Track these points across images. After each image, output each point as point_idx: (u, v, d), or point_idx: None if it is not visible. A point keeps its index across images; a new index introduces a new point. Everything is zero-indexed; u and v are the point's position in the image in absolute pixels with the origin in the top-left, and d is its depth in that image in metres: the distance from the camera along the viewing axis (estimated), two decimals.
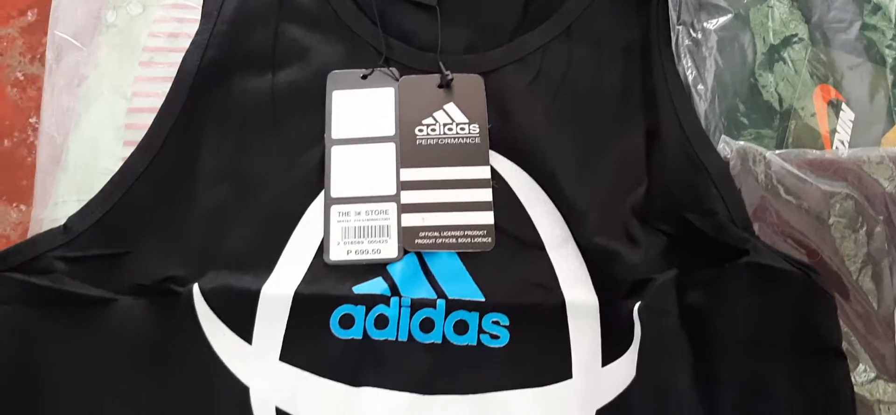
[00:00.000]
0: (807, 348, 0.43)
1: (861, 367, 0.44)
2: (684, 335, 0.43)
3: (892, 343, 0.45)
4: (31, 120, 0.55)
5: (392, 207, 0.48)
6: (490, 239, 0.47)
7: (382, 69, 0.51)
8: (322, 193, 0.48)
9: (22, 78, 0.56)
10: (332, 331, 0.45)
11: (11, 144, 0.54)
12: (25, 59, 0.56)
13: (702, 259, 0.45)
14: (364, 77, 0.50)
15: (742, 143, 0.47)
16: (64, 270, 0.45)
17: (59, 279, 0.45)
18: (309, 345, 0.45)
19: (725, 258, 0.44)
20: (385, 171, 0.49)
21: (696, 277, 0.44)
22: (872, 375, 0.44)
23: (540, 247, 0.47)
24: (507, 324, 0.45)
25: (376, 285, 0.46)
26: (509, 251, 0.47)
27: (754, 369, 0.43)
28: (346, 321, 0.45)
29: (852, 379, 0.43)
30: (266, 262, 0.46)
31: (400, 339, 0.45)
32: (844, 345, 0.44)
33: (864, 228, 0.46)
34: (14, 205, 0.53)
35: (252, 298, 0.45)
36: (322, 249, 0.47)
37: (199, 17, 0.51)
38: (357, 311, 0.45)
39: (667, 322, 0.43)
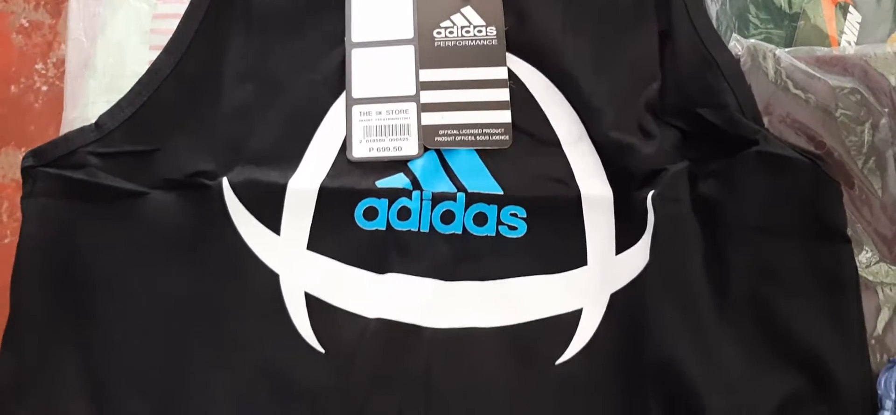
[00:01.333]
0: (813, 232, 0.45)
1: (865, 251, 0.47)
2: (696, 221, 0.46)
3: (894, 228, 0.47)
4: (36, 67, 0.57)
5: (412, 106, 0.50)
6: (507, 137, 0.49)
7: None
8: (343, 94, 0.50)
9: (27, 24, 0.57)
10: (357, 222, 0.48)
11: (18, 90, 0.56)
12: (30, 7, 0.58)
13: (713, 151, 0.47)
14: None
15: (752, 40, 0.49)
16: (97, 165, 0.47)
17: (93, 173, 0.47)
18: (335, 235, 0.47)
19: (736, 149, 0.46)
20: (404, 72, 0.51)
21: (708, 168, 0.47)
22: (875, 258, 0.47)
23: (556, 144, 0.49)
24: (525, 216, 0.48)
25: (398, 180, 0.48)
26: (526, 148, 0.49)
27: (763, 252, 0.45)
28: (370, 213, 0.48)
29: (856, 262, 0.46)
30: (291, 158, 0.48)
31: (422, 230, 0.48)
32: (849, 231, 0.46)
33: (870, 121, 0.48)
34: (22, 150, 0.55)
35: (279, 192, 0.47)
36: (345, 146, 0.49)
37: None
38: (380, 203, 0.48)
39: (679, 209, 0.46)
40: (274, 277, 0.47)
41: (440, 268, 0.47)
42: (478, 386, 0.45)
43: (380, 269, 0.47)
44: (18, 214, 0.51)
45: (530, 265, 0.47)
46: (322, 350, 0.46)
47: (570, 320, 0.46)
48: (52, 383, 0.45)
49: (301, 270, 0.47)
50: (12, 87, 0.55)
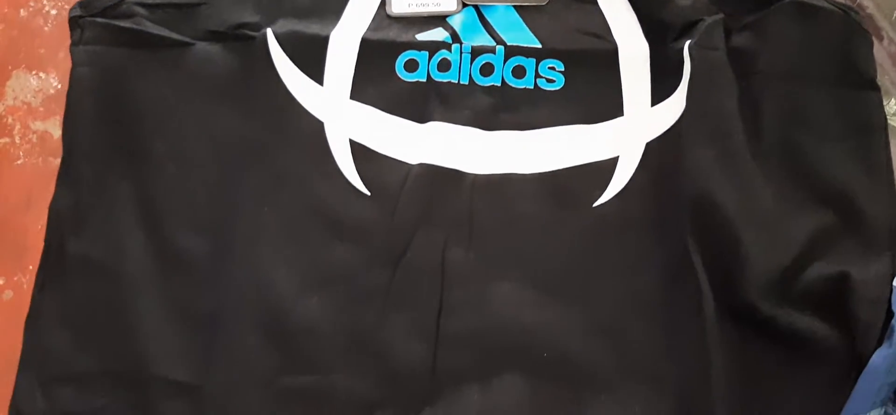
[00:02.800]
0: (844, 80, 0.48)
1: (892, 100, 0.49)
2: (730, 69, 0.48)
3: None
4: None
5: None
6: None
7: None
8: None
9: None
10: (398, 74, 0.49)
11: (28, 13, 0.57)
12: None
13: (747, 4, 0.49)
14: None
15: None
16: (144, 15, 0.49)
17: (140, 23, 0.49)
18: (377, 86, 0.49)
19: (771, 1, 0.48)
20: None
21: (743, 21, 0.49)
22: None
23: (592, 1, 0.51)
24: (562, 69, 0.50)
25: (438, 33, 0.50)
26: (563, 3, 0.51)
27: (795, 98, 0.47)
28: (411, 65, 0.50)
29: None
30: (332, 11, 0.50)
31: (461, 81, 0.49)
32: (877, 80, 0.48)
33: None
34: (33, 72, 0.57)
35: (321, 43, 0.49)
36: (384, 2, 0.51)
37: None
38: (421, 56, 0.50)
39: (716, 56, 0.48)
40: (318, 125, 0.49)
41: (480, 118, 0.49)
42: (519, 224, 0.47)
43: (421, 118, 0.49)
44: (30, 136, 0.54)
45: (568, 116, 0.49)
46: (367, 192, 0.48)
47: (607, 167, 0.48)
48: (108, 215, 0.47)
49: (344, 119, 0.49)
50: (22, 11, 0.57)
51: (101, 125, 0.48)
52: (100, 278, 0.46)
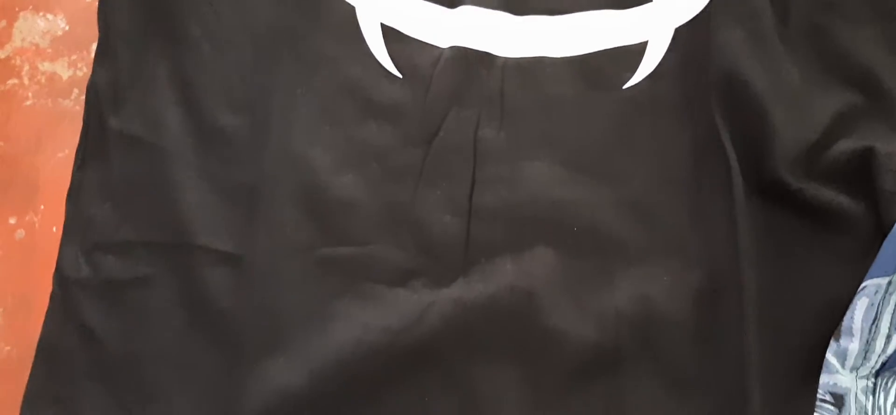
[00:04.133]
0: None
1: None
2: None
3: None
4: None
5: None
6: None
7: None
8: None
9: None
10: None
11: None
12: None
13: None
14: None
15: None
16: None
17: None
18: None
19: None
20: None
21: None
22: None
23: None
24: None
25: None
26: None
27: None
28: None
29: None
30: None
31: None
32: None
33: None
34: (41, 13, 0.57)
35: None
36: None
37: None
38: None
39: None
40: (350, 9, 0.50)
41: (511, 2, 0.50)
42: (549, 106, 0.49)
43: (451, 3, 0.50)
44: (39, 77, 0.55)
45: (598, 1, 0.50)
46: (399, 75, 0.49)
47: (637, 51, 0.50)
48: (145, 93, 0.48)
49: (376, 2, 0.50)
50: None
51: (136, 7, 0.49)
52: (140, 153, 0.48)
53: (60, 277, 0.47)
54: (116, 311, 0.46)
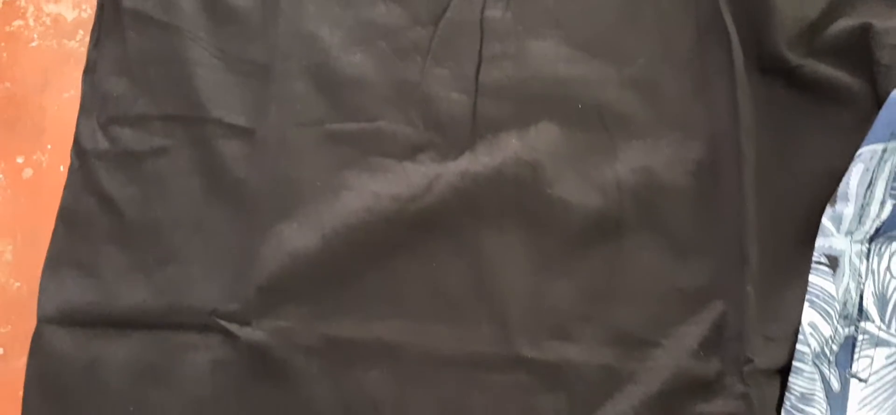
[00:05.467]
0: None
1: None
2: None
3: None
4: None
5: None
6: None
7: None
8: None
9: None
10: None
11: None
12: None
13: None
14: None
15: None
16: None
17: None
18: None
19: None
20: None
21: None
22: None
23: None
24: None
25: None
26: None
27: None
28: None
29: None
30: None
31: None
32: None
33: None
34: None
35: None
36: None
37: None
38: None
39: None
40: None
41: None
42: None
43: None
44: (44, 18, 0.57)
45: None
46: None
47: None
48: None
49: None
50: None
51: None
52: (154, 31, 0.50)
53: (78, 150, 0.49)
54: (134, 180, 0.48)
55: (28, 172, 0.53)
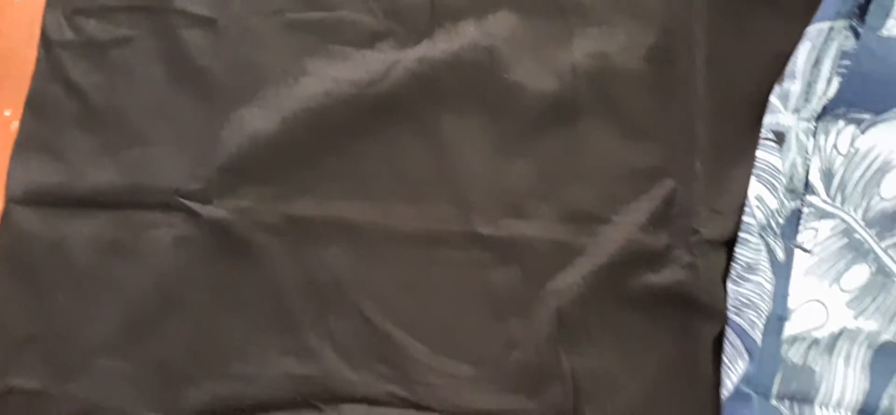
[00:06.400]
0: None
1: None
2: None
3: None
4: None
5: None
6: None
7: None
8: None
9: None
10: None
11: None
12: None
13: None
14: None
15: None
16: None
17: None
18: None
19: None
20: None
21: None
22: None
23: None
24: None
25: None
26: None
27: None
28: None
29: None
30: None
31: None
32: None
33: None
34: None
35: None
36: None
37: None
38: None
39: None
40: None
41: None
42: None
43: None
44: None
45: None
46: None
47: None
48: None
49: None
50: None
51: None
52: None
53: (45, 41, 0.51)
54: (100, 68, 0.50)
55: (15, 125, 0.53)
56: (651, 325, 0.46)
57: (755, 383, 0.44)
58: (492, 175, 0.48)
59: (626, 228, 0.47)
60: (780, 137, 0.47)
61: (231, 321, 0.47)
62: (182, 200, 0.47)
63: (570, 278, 0.46)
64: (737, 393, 0.44)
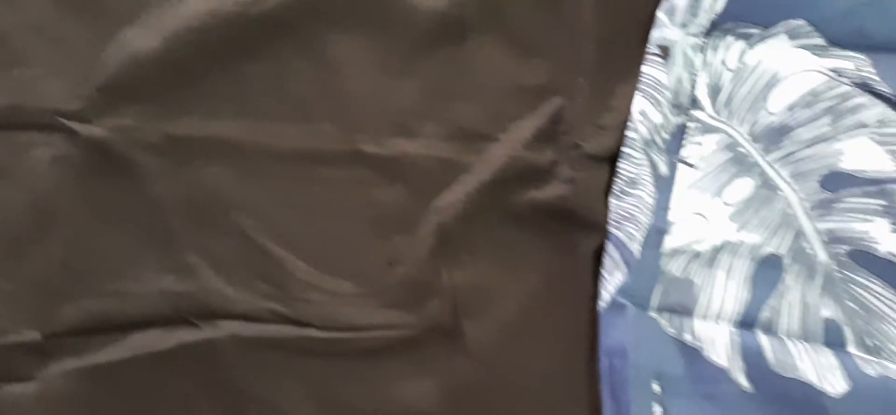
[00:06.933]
0: None
1: None
2: None
3: None
4: None
5: None
6: None
7: None
8: None
9: None
10: None
11: None
12: None
13: None
14: None
15: None
16: None
17: None
18: None
19: None
20: None
21: None
22: None
23: None
24: None
25: None
26: None
27: None
28: None
29: None
30: None
31: None
32: None
33: None
34: None
35: None
36: None
37: None
38: None
39: None
40: None
41: None
42: None
43: None
44: None
45: None
46: None
47: None
48: None
49: None
50: None
51: None
52: None
53: None
54: None
55: None
56: (532, 240, 0.46)
57: (632, 293, 0.44)
58: (377, 94, 0.47)
59: (511, 145, 0.46)
60: (665, 51, 0.46)
61: (109, 239, 0.46)
62: (61, 119, 0.47)
63: (454, 195, 0.46)
64: (612, 303, 0.44)
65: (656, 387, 0.44)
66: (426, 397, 0.46)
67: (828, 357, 0.43)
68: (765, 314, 0.44)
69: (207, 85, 0.47)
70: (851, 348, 0.43)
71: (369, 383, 0.46)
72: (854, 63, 0.45)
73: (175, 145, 0.47)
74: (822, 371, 0.43)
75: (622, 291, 0.44)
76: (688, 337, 0.44)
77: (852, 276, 0.44)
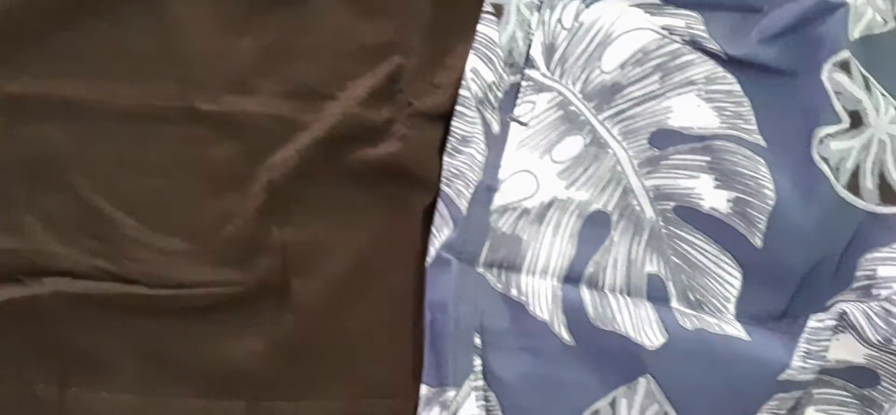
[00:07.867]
0: None
1: None
2: None
3: None
4: None
5: None
6: None
7: None
8: None
9: None
10: None
11: None
12: None
13: None
14: None
15: None
16: None
17: None
18: None
19: None
20: None
21: None
22: None
23: None
24: None
25: None
26: None
27: None
28: None
29: None
30: None
31: None
32: None
33: None
34: None
35: None
36: None
37: None
38: None
39: None
40: None
41: None
42: None
43: None
44: None
45: None
46: None
47: None
48: None
49: None
50: None
51: None
52: None
53: None
54: None
55: None
56: (365, 197, 0.46)
57: (458, 249, 0.45)
58: (217, 52, 0.47)
59: (347, 103, 0.47)
60: (498, 9, 0.47)
61: None
62: None
63: (288, 153, 0.46)
64: (437, 259, 0.45)
65: (477, 340, 0.44)
66: (253, 354, 0.46)
67: (647, 311, 0.44)
68: (589, 269, 0.45)
69: (46, 44, 0.47)
70: (674, 303, 0.44)
71: (196, 341, 0.46)
72: (685, 20, 0.46)
73: (8, 103, 0.46)
74: (640, 324, 0.44)
75: (447, 246, 0.45)
76: (514, 292, 0.45)
77: (677, 231, 0.45)
